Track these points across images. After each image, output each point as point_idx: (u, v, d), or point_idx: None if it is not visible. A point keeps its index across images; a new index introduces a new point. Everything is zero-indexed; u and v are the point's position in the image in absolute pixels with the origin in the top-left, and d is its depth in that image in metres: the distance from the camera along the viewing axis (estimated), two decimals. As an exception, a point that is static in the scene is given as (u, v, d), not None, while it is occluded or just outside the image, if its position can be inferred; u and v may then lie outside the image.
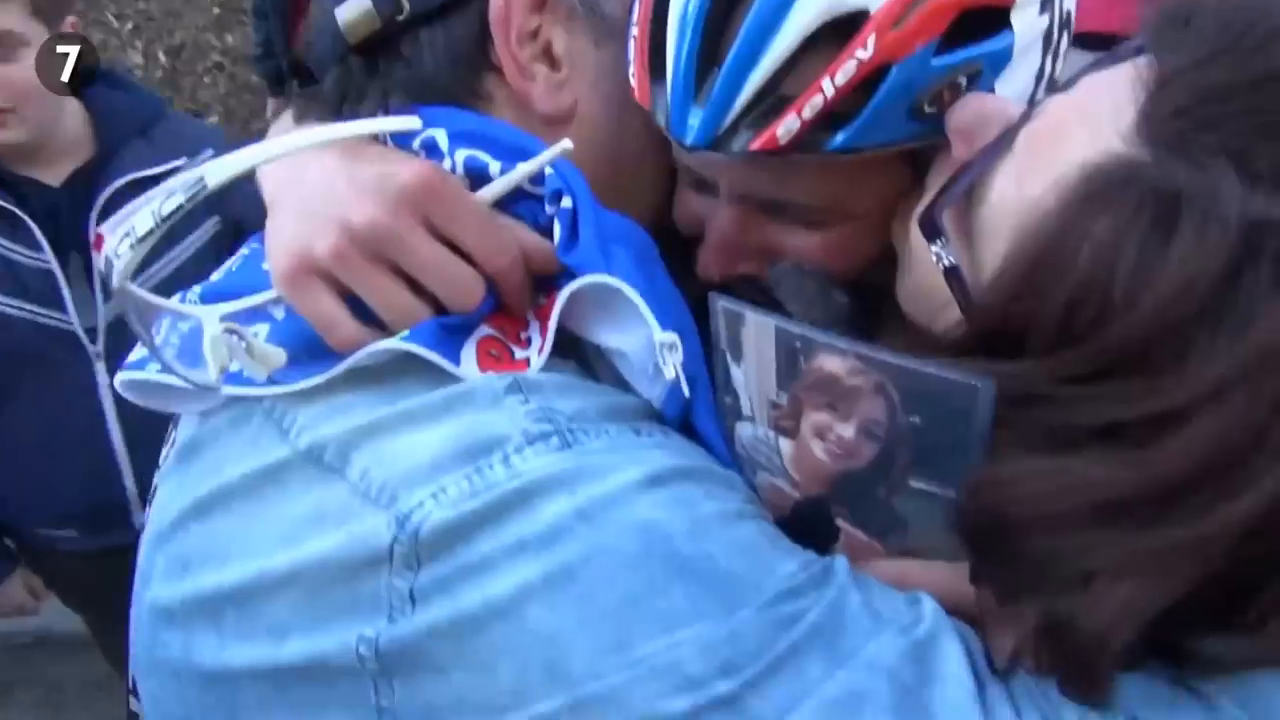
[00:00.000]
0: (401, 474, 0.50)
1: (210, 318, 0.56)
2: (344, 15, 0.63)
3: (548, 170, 0.57)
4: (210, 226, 1.67)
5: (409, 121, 0.56)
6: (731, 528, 0.50)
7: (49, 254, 1.58)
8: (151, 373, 0.60)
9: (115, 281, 0.53)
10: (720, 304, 0.55)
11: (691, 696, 0.45)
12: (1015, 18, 0.57)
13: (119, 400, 1.54)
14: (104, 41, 4.34)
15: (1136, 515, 0.44)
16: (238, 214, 1.66)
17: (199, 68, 4.37)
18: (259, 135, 0.69)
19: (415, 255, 0.54)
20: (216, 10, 4.48)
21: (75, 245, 1.60)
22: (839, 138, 0.57)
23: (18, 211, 1.56)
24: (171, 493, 0.59)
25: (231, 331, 0.55)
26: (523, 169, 0.57)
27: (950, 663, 0.47)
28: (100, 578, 1.71)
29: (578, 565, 0.47)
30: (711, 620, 0.46)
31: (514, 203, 0.58)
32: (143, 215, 0.52)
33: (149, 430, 1.62)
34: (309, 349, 0.56)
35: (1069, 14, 0.63)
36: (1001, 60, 0.58)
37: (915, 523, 0.53)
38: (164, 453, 0.64)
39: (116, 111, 1.66)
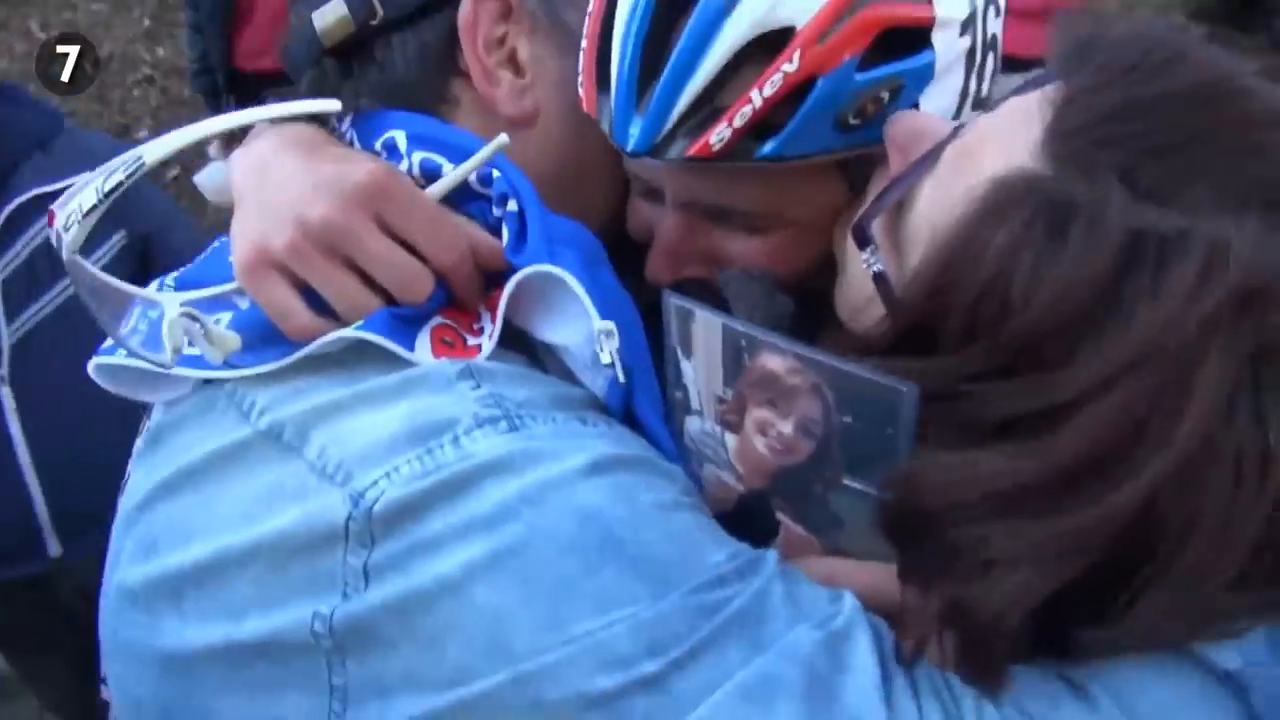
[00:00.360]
0: (357, 453, 0.52)
1: (171, 303, 0.57)
2: (321, 20, 0.66)
3: (495, 174, 0.59)
4: (118, 240, 1.64)
5: (328, 104, 0.60)
6: (667, 517, 0.52)
7: None
8: (120, 358, 0.61)
9: (65, 254, 0.56)
10: (672, 300, 0.57)
11: (620, 675, 0.48)
12: (936, 38, 0.61)
13: (26, 422, 1.52)
14: (27, 52, 4.24)
15: (1032, 505, 0.48)
16: (146, 228, 1.65)
17: (128, 80, 4.30)
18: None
19: (366, 250, 0.57)
20: (147, 22, 4.41)
21: None
22: (768, 146, 0.60)
23: None
24: (140, 478, 0.61)
25: (190, 316, 0.57)
26: (465, 166, 0.59)
27: (861, 654, 0.49)
28: (10, 611, 1.66)
29: (520, 546, 0.49)
30: (642, 603, 0.48)
31: (466, 202, 0.61)
32: (87, 192, 0.56)
33: (60, 453, 1.56)
34: (268, 336, 0.58)
35: (994, 37, 0.67)
36: (924, 77, 0.61)
37: (850, 521, 0.56)
38: (136, 445, 0.65)
39: (13, 127, 1.61)
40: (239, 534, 0.53)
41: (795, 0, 0.58)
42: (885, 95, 0.60)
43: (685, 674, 0.48)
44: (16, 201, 1.55)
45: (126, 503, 0.61)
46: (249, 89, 2.48)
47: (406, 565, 0.50)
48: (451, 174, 0.60)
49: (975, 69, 0.65)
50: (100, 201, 0.56)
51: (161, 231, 1.70)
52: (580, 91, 0.64)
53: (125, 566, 0.59)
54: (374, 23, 0.65)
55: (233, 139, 0.68)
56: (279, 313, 0.58)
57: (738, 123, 0.59)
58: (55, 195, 1.42)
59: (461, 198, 0.61)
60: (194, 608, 0.54)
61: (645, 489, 0.53)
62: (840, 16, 0.57)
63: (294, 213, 0.57)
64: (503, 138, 0.58)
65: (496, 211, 0.60)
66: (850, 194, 0.65)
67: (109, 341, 0.64)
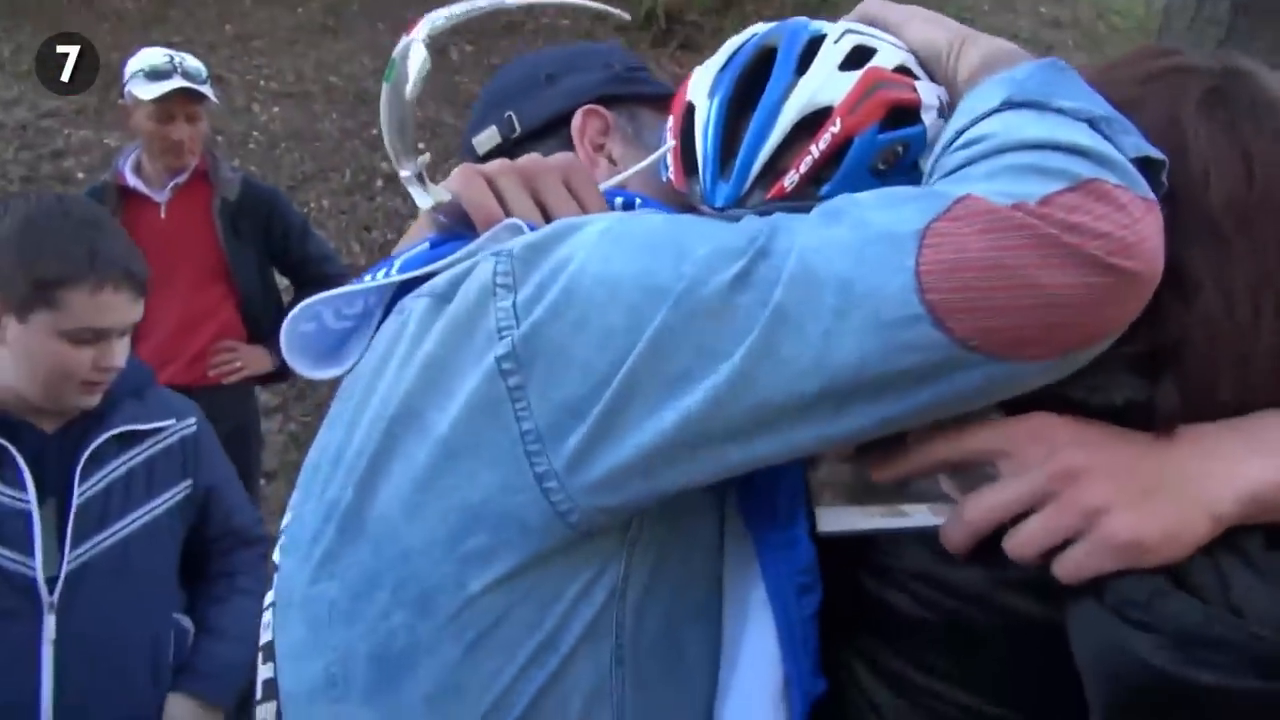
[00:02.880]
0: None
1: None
2: (478, 140, 1.01)
3: (637, 201, 0.88)
4: (184, 487, 1.74)
5: None
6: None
7: (31, 495, 1.57)
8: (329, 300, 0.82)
9: (422, 34, 0.82)
10: None
11: (741, 259, 0.64)
12: (925, 115, 0.84)
13: (60, 656, 1.55)
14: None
15: None
16: (209, 483, 1.78)
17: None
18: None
19: (550, 188, 0.83)
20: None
21: (55, 492, 1.60)
22: (825, 188, 0.82)
23: (11, 448, 1.57)
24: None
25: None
26: (644, 162, 0.93)
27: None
28: None
29: (625, 229, 0.70)
30: (723, 228, 0.68)
31: None
32: (457, 8, 0.85)
33: (83, 694, 1.59)
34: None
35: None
36: (920, 141, 0.84)
37: None
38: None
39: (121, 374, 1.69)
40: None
41: (830, 89, 0.82)
42: (900, 150, 0.83)
43: (780, 232, 0.66)
44: (108, 434, 1.65)
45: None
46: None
47: (547, 284, 0.68)
48: (634, 167, 0.92)
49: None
50: (464, 14, 0.85)
51: (220, 486, 1.83)
52: (670, 175, 0.90)
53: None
54: (514, 137, 0.99)
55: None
56: (476, 200, 0.80)
57: (804, 169, 0.82)
58: (143, 434, 1.71)
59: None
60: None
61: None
62: (863, 96, 0.82)
63: (507, 162, 0.84)
64: (669, 144, 0.89)
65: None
66: None
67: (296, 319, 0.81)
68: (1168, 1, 3.11)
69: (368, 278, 0.83)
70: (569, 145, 0.96)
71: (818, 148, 0.82)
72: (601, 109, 0.98)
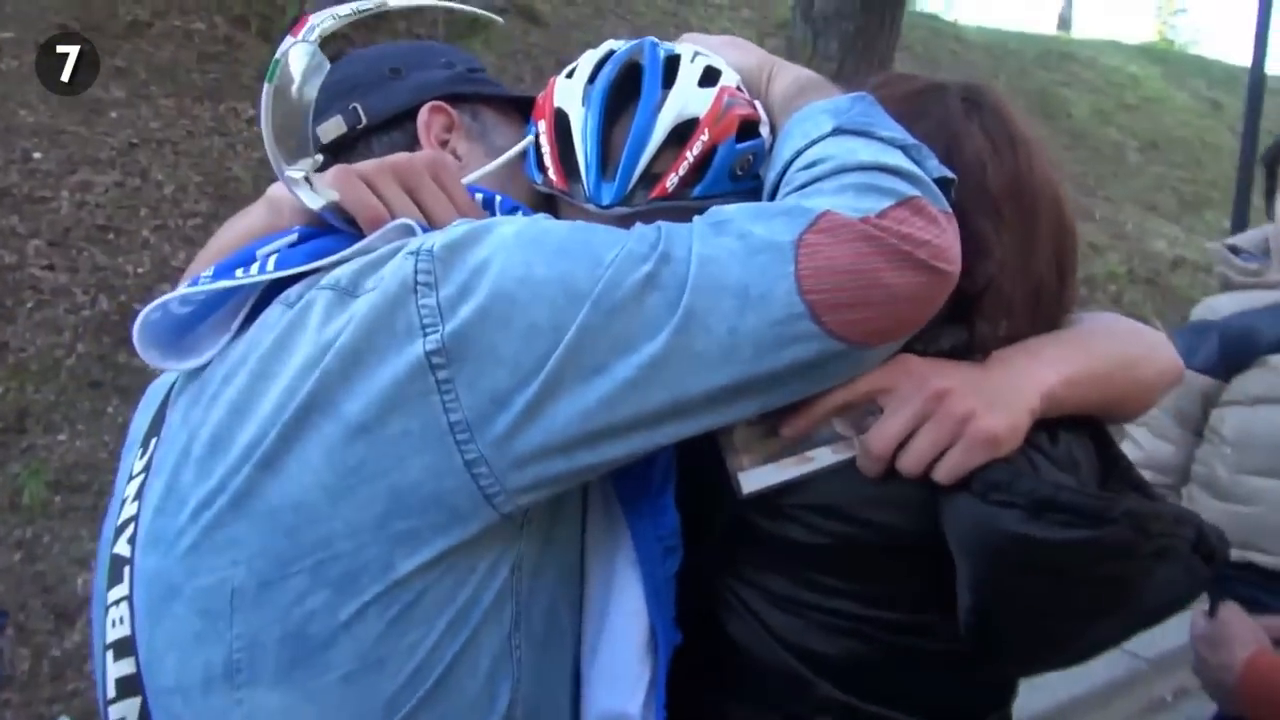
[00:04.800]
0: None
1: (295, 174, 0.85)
2: (322, 128, 1.00)
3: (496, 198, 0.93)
4: None
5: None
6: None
7: None
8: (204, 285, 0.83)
9: (312, 36, 0.83)
10: None
11: (649, 263, 0.73)
12: (762, 130, 0.97)
13: None
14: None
15: None
16: None
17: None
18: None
19: (424, 185, 0.86)
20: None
21: None
22: (698, 189, 0.94)
23: None
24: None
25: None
26: (497, 161, 0.98)
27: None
28: None
29: (538, 233, 0.76)
30: (623, 238, 0.75)
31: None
32: (343, 9, 0.86)
33: None
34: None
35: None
36: (762, 151, 0.96)
37: None
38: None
39: None
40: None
41: (695, 103, 0.94)
42: (751, 158, 0.96)
43: (675, 240, 0.75)
44: None
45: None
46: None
47: (471, 284, 0.72)
48: (490, 164, 0.96)
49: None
50: (351, 15, 0.86)
51: None
52: (550, 175, 0.96)
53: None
54: (359, 127, 1.01)
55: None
56: (360, 200, 0.82)
57: (682, 172, 0.93)
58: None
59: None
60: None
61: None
62: (723, 111, 0.95)
63: (376, 160, 0.87)
64: (526, 141, 0.96)
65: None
66: None
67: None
68: (790, 37, 3.70)
69: (239, 272, 0.82)
70: (413, 139, 1.00)
71: (692, 153, 0.93)
72: (447, 106, 1.02)
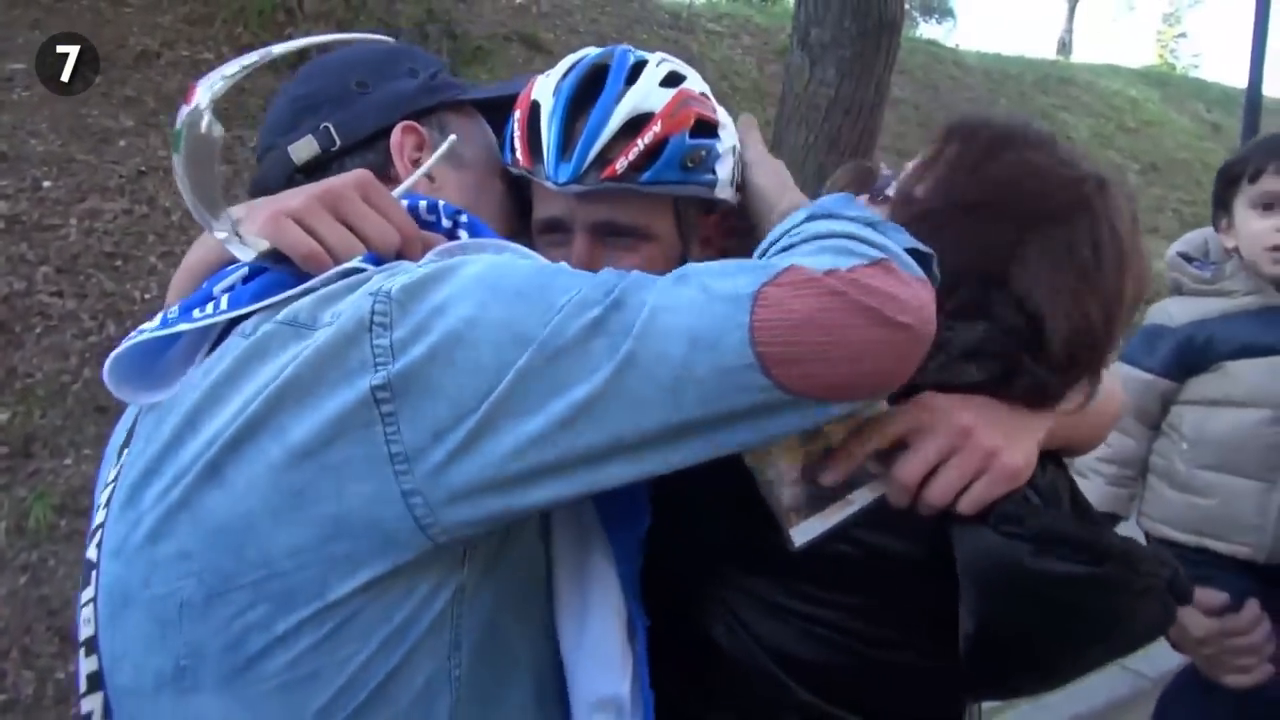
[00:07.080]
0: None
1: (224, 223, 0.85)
2: (295, 148, 1.02)
3: (461, 221, 0.95)
4: None
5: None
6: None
7: None
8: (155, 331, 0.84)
9: (205, 101, 0.83)
10: None
11: (597, 308, 0.73)
12: (721, 133, 1.07)
13: None
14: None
15: None
16: None
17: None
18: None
19: (357, 210, 0.85)
20: None
21: None
22: (646, 175, 1.02)
23: None
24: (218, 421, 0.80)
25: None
26: (418, 172, 0.98)
27: None
28: None
29: (494, 273, 0.77)
30: (581, 282, 0.76)
31: (424, 226, 0.92)
32: (229, 68, 0.86)
33: None
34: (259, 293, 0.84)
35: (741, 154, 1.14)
36: (715, 152, 1.05)
37: None
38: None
39: None
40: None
41: (652, 99, 1.04)
42: (703, 154, 1.04)
43: (633, 289, 0.74)
44: None
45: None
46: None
47: (426, 324, 0.73)
48: (410, 176, 0.96)
49: (736, 161, 1.11)
50: (240, 72, 0.86)
51: None
52: (518, 156, 1.04)
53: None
54: (333, 149, 1.02)
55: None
56: (294, 243, 0.81)
57: (631, 157, 1.01)
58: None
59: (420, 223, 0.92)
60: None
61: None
62: (678, 107, 1.04)
63: (306, 190, 0.85)
64: (451, 141, 1.00)
65: (446, 224, 0.93)
66: (677, 228, 1.08)
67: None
68: (788, 64, 3.75)
69: (196, 312, 0.85)
70: (386, 157, 1.02)
71: (643, 141, 1.02)
72: (417, 126, 1.04)
